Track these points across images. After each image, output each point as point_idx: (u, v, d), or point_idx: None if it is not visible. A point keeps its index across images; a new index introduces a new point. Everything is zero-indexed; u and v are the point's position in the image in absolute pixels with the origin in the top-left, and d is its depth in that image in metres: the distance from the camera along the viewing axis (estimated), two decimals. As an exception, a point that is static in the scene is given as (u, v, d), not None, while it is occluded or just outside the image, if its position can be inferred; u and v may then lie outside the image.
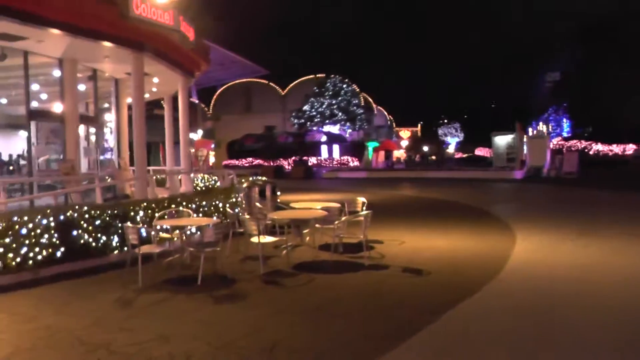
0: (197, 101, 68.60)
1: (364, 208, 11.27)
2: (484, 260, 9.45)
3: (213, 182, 19.64)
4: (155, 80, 18.67)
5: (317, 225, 10.19)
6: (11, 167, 17.50)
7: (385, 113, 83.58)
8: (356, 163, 52.29)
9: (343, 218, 10.13)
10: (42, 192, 13.78)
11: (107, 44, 13.63)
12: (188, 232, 10.24)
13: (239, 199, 13.66)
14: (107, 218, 9.69)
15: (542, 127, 66.08)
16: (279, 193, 19.09)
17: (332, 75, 58.48)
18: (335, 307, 6.79)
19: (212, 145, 63.57)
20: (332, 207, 10.65)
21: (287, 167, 47.14)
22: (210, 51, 21.04)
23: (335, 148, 54.61)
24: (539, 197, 22.50)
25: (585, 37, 60.23)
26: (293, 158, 49.58)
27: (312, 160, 50.98)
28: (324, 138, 51.92)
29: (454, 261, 9.39)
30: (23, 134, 16.03)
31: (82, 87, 16.47)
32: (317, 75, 61.87)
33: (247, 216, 9.32)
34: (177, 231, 9.35)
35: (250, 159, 53.85)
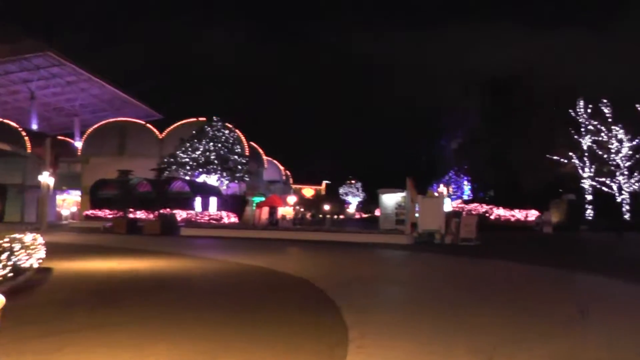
0: (80, 141, 60.45)
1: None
2: None
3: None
4: None
5: None
6: None
7: (281, 167, 77.89)
8: (234, 219, 45.66)
9: None
10: None
11: None
12: None
13: None
14: None
15: (442, 189, 62.20)
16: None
17: (215, 119, 51.93)
18: None
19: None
20: None
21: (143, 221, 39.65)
22: None
23: (213, 201, 47.80)
24: (425, 272, 16.51)
25: (489, 94, 57.02)
26: (160, 211, 42.28)
27: (182, 214, 43.96)
28: (187, 188, 45.00)
29: None
30: None
31: None
32: (199, 119, 55.18)
33: None
34: None
35: (115, 210, 45.87)
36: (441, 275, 15.53)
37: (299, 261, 18.84)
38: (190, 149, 50.24)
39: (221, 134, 51.04)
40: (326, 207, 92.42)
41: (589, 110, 48.27)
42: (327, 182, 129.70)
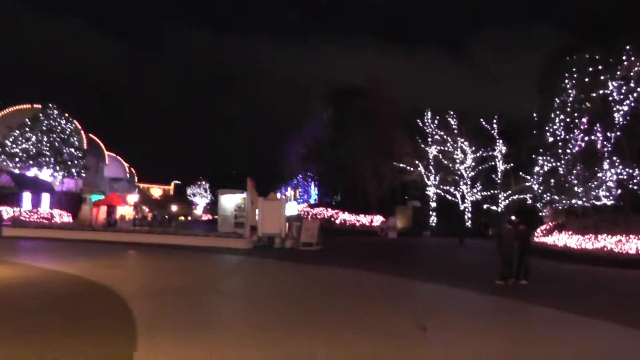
0: None
1: None
2: None
3: None
4: None
5: None
6: None
7: (125, 164, 74.15)
8: (68, 219, 42.49)
9: None
10: None
11: None
12: None
13: None
14: None
15: (290, 192, 62.53)
16: None
17: (51, 106, 47.97)
18: None
19: None
20: None
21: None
22: None
23: (45, 198, 44.20)
24: (255, 281, 15.84)
25: (338, 103, 57.98)
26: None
27: (9, 212, 40.03)
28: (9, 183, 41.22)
29: None
30: None
31: None
32: (34, 106, 50.80)
33: None
34: None
35: None
36: (272, 285, 14.89)
37: (121, 268, 17.37)
38: (20, 139, 46.01)
39: (57, 123, 47.24)
40: (174, 208, 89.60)
41: (436, 122, 49.95)
42: (176, 182, 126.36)
